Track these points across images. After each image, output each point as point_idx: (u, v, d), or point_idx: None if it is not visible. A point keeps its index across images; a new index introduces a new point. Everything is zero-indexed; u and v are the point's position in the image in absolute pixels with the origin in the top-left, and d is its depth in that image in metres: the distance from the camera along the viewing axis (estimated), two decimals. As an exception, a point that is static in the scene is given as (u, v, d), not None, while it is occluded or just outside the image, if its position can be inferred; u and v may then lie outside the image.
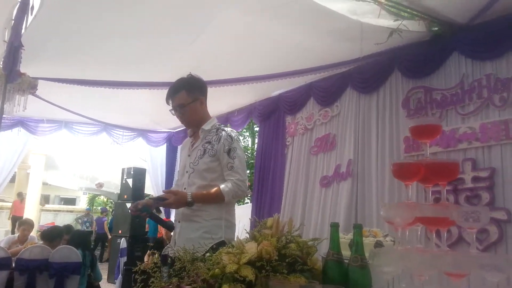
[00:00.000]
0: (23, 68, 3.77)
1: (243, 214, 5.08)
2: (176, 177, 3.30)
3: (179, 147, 7.09)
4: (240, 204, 8.71)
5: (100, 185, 11.63)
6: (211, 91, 2.62)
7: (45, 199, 16.14)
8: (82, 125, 6.81)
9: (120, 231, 7.39)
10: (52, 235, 4.52)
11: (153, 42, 3.81)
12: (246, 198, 9.78)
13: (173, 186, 2.87)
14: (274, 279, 1.20)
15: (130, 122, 6.98)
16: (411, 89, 3.72)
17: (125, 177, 7.70)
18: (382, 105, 3.97)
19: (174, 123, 6.65)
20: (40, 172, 11.50)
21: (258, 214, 5.09)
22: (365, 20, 3.27)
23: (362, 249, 1.26)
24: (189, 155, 2.42)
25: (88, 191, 16.40)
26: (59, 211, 15.84)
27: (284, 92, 5.13)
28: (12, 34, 3.31)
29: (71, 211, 15.87)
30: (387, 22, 3.28)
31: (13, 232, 8.64)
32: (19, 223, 5.71)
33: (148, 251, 5.23)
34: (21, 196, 11.59)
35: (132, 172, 7.58)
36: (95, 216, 13.54)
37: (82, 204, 20.78)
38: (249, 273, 1.22)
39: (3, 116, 3.91)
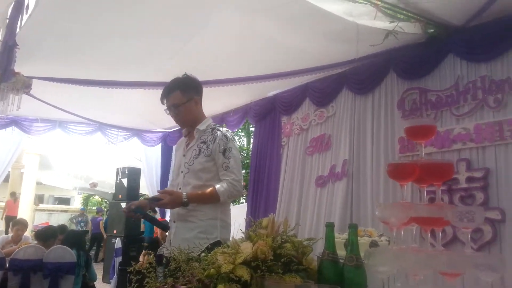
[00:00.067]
0: (17, 67, 3.75)
1: (238, 214, 5.08)
2: (171, 177, 3.32)
3: (174, 147, 7.07)
4: (236, 204, 8.70)
5: (94, 185, 11.59)
6: (206, 91, 2.62)
7: (39, 199, 16.04)
8: (76, 124, 6.78)
9: (115, 231, 7.37)
10: (46, 235, 4.49)
11: (149, 42, 3.81)
12: (241, 198, 9.78)
13: (168, 186, 2.87)
14: (270, 279, 1.20)
15: (125, 122, 6.95)
16: (406, 90, 3.73)
17: (119, 177, 7.67)
18: (377, 106, 3.99)
19: (169, 123, 6.64)
20: (34, 171, 11.43)
21: (254, 214, 5.09)
22: (361, 22, 3.28)
23: (357, 249, 1.26)
24: (184, 155, 2.42)
25: (82, 191, 16.33)
26: (53, 211, 15.74)
27: (280, 93, 5.14)
28: (6, 33, 3.29)
29: (66, 211, 15.77)
30: (383, 24, 3.29)
31: (6, 232, 8.59)
32: (13, 223, 5.67)
33: (144, 251, 5.22)
34: (14, 196, 11.51)
35: (126, 172, 7.56)
36: (89, 216, 13.48)
37: (76, 204, 20.68)
38: (244, 273, 1.22)
39: (-3, 115, 3.88)
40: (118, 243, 6.45)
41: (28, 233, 6.27)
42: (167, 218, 5.98)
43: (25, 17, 3.33)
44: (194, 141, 2.40)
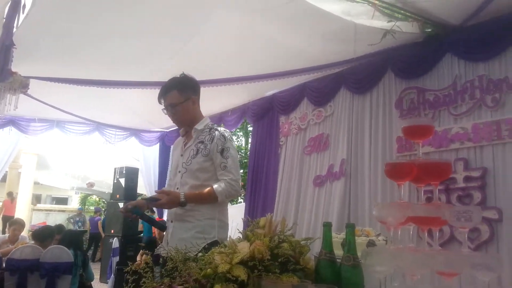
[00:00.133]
0: (14, 67, 3.73)
1: (236, 213, 5.08)
2: (169, 177, 3.31)
3: (171, 147, 7.06)
4: (234, 204, 8.70)
5: (90, 185, 11.56)
6: (205, 91, 2.61)
7: (37, 199, 16.01)
8: (74, 124, 6.76)
9: (112, 231, 7.35)
10: (43, 235, 4.47)
11: (147, 42, 3.80)
12: (239, 198, 9.78)
13: (166, 186, 2.87)
14: (267, 278, 1.20)
15: (123, 122, 6.93)
16: (404, 90, 3.74)
17: (117, 176, 7.66)
18: (375, 105, 3.99)
19: (167, 123, 6.63)
20: (31, 171, 11.40)
21: (251, 214, 5.08)
22: (359, 21, 3.28)
23: (354, 249, 1.26)
24: (181, 155, 2.41)
25: (80, 190, 16.29)
26: (50, 210, 15.72)
27: (278, 92, 5.13)
28: (3, 32, 3.27)
29: (63, 211, 15.76)
30: (381, 23, 3.29)
31: (3, 232, 8.54)
32: (10, 223, 5.65)
33: (141, 250, 5.21)
34: (11, 196, 11.48)
35: (124, 172, 7.54)
36: (87, 216, 13.45)
37: (74, 203, 20.64)
38: (241, 273, 1.21)
39: (-6, 115, 3.87)
40: (115, 243, 6.43)
41: (25, 233, 6.25)
42: (165, 218, 5.98)
43: (22, 16, 3.32)
44: (191, 141, 2.40)
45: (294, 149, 4.82)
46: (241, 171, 10.23)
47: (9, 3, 3.13)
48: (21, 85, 4.40)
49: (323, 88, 4.52)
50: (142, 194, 8.46)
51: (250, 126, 8.56)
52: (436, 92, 3.49)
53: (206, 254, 1.35)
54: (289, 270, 1.26)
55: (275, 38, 3.66)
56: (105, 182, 10.80)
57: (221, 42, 3.80)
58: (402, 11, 3.19)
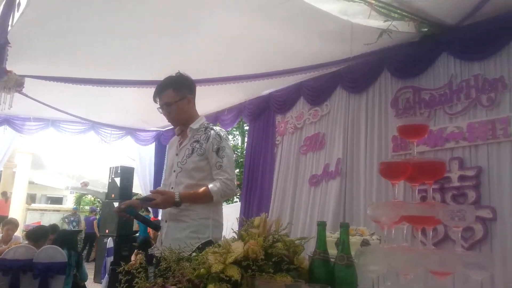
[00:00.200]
0: (9, 66, 3.71)
1: (232, 213, 5.07)
2: (164, 176, 3.29)
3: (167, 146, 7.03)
4: (229, 203, 8.68)
5: (85, 184, 11.51)
6: (201, 90, 2.60)
7: (32, 198, 15.94)
8: (69, 123, 6.72)
9: (107, 231, 7.32)
10: (37, 235, 4.44)
11: (142, 41, 3.78)
12: (235, 197, 9.77)
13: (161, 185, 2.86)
14: (260, 278, 1.19)
15: (118, 121, 6.91)
16: (400, 89, 3.74)
17: (112, 176, 7.63)
18: (371, 104, 3.99)
19: (163, 122, 6.60)
20: (26, 171, 11.34)
21: (247, 213, 5.08)
22: (355, 21, 3.28)
23: (348, 248, 1.25)
24: (176, 154, 2.40)
25: (75, 190, 16.22)
26: (45, 210, 15.63)
27: (274, 91, 5.13)
28: (-3, 30, 3.25)
29: (58, 211, 15.68)
30: (377, 22, 3.29)
31: (-2, 232, 8.49)
32: (4, 222, 5.61)
33: (136, 250, 5.19)
34: (5, 196, 11.41)
35: (119, 171, 7.51)
36: (82, 216, 13.39)
37: (69, 203, 20.54)
38: (235, 273, 1.20)
39: (-12, 113, 3.84)
40: (110, 242, 6.41)
41: (19, 233, 6.21)
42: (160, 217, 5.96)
43: (16, 15, 3.29)
44: (187, 140, 2.39)
45: (290, 148, 4.82)
46: (237, 170, 10.24)
47: (4, 2, 3.11)
48: (16, 84, 4.37)
49: (319, 87, 4.52)
50: (137, 194, 8.43)
51: (247, 125, 8.54)
52: (431, 91, 3.50)
53: (200, 254, 1.35)
54: (283, 270, 1.26)
55: (272, 37, 3.65)
56: (100, 181, 10.76)
57: (218, 41, 3.78)
58: (398, 11, 3.19)
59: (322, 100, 4.51)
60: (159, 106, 2.42)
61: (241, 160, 9.92)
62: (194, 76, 2.55)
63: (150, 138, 7.47)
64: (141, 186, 7.83)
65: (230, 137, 13.82)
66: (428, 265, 1.12)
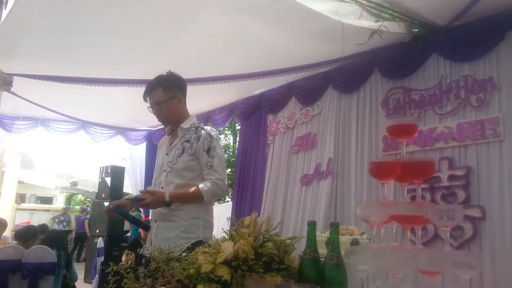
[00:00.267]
0: (-3, 64, 3.66)
1: (223, 212, 5.06)
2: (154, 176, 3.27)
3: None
4: (221, 203, 8.67)
5: (74, 184, 11.40)
6: (192, 90, 2.60)
7: (21, 198, 15.76)
8: (59, 122, 6.64)
9: (97, 231, 7.27)
10: (26, 235, 4.40)
11: (133, 39, 3.75)
12: (226, 197, 9.75)
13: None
14: (250, 278, 1.19)
15: (108, 120, 6.85)
16: (391, 89, 3.76)
17: (103, 175, 7.57)
18: (362, 104, 4.01)
19: (154, 121, 6.55)
20: (15, 170, 11.21)
21: (239, 213, 5.07)
22: (346, 21, 3.28)
23: (338, 247, 1.26)
24: (167, 154, 2.39)
25: (64, 190, 16.08)
26: (35, 210, 15.48)
27: (266, 91, 5.12)
28: (-15, 28, 3.20)
29: (48, 210, 15.53)
30: (368, 23, 3.30)
31: (-14, 232, 8.38)
32: (-8, 223, 5.54)
33: (126, 251, 5.16)
34: (-6, 195, 11.28)
35: (109, 171, 7.46)
36: (72, 216, 13.27)
37: (59, 203, 20.34)
38: (224, 273, 1.20)
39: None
40: (100, 242, 6.36)
41: (8, 233, 6.14)
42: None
43: (4, 12, 3.25)
44: (177, 140, 2.38)
45: (282, 148, 4.82)
46: (229, 170, 10.22)
47: (-9, -1, 3.07)
48: (5, 83, 4.32)
49: (311, 87, 4.53)
50: (128, 194, 8.38)
51: (238, 125, 8.54)
52: (421, 91, 3.52)
53: (190, 254, 1.34)
54: (273, 270, 1.25)
55: (263, 37, 3.65)
56: (91, 181, 10.68)
57: (209, 41, 3.77)
58: (389, 11, 3.20)
59: (313, 100, 4.51)
60: (149, 105, 2.40)
61: (233, 159, 9.91)
62: (185, 76, 2.54)
63: (141, 138, 7.42)
64: (132, 186, 7.77)
65: (222, 136, 13.81)
66: (417, 265, 1.12)
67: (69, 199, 19.72)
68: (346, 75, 4.13)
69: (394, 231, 1.31)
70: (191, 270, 1.24)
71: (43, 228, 5.53)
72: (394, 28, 3.38)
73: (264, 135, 5.10)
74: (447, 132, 3.27)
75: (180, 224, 2.20)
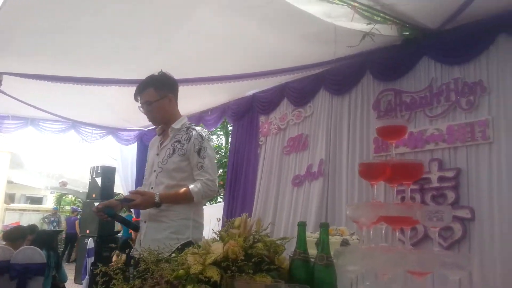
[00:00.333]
0: (-14, 62, 3.62)
1: (215, 213, 5.05)
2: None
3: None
4: (213, 203, 8.65)
5: (63, 184, 11.29)
6: (184, 90, 2.59)
7: (10, 198, 15.59)
8: (49, 122, 6.58)
9: (88, 231, 7.22)
10: (14, 235, 4.35)
11: (125, 39, 3.73)
12: (218, 197, 9.73)
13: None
14: (240, 279, 1.19)
15: (99, 120, 6.80)
16: (382, 92, 3.78)
17: (93, 175, 7.51)
18: (353, 106, 4.03)
19: (144, 121, 6.51)
20: (5, 170, 11.06)
21: (230, 213, 5.07)
22: (338, 23, 3.30)
23: (328, 248, 1.26)
24: (157, 154, 2.38)
25: (55, 190, 15.93)
26: (24, 210, 15.33)
27: (258, 92, 5.13)
28: (-27, 26, 3.16)
29: (38, 211, 15.38)
30: (360, 25, 3.32)
31: (-26, 233, 8.28)
32: (-19, 223, 5.47)
33: (116, 251, 5.11)
34: (-17, 195, 11.15)
35: (100, 171, 7.40)
36: (63, 216, 13.16)
37: (49, 203, 20.15)
38: (214, 274, 1.20)
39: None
40: (90, 243, 6.31)
41: (-4, 234, 6.06)
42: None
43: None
44: (168, 140, 2.37)
45: (274, 149, 4.82)
46: (221, 170, 10.20)
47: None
48: (-6, 81, 4.28)
49: (303, 88, 4.54)
50: (119, 194, 8.33)
51: (231, 126, 8.53)
52: (412, 94, 3.55)
53: (180, 255, 1.33)
54: (263, 270, 1.25)
55: (256, 38, 3.65)
56: (81, 181, 10.58)
57: (202, 41, 3.76)
58: (381, 14, 3.23)
59: (305, 101, 4.53)
60: (140, 104, 2.39)
61: (225, 160, 9.90)
62: (177, 76, 2.54)
63: (132, 138, 7.37)
64: (123, 186, 7.72)
65: (214, 137, 13.78)
66: (406, 265, 1.13)
67: (59, 199, 19.55)
68: (338, 77, 4.15)
69: (383, 231, 1.32)
70: (181, 271, 1.23)
71: (32, 228, 5.48)
72: (386, 31, 3.41)
73: (256, 136, 5.10)
74: (438, 134, 3.30)
75: (170, 225, 2.19)
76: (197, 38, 3.70)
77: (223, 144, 13.70)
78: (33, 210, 15.45)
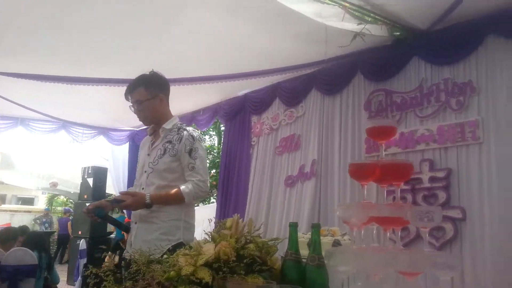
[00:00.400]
0: (-26, 62, 3.57)
1: (208, 213, 5.04)
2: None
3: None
4: (205, 204, 8.64)
5: (53, 184, 11.18)
6: (176, 89, 2.58)
7: (1, 199, 15.44)
8: (39, 122, 6.51)
9: (80, 232, 7.17)
10: (5, 236, 4.30)
11: (116, 38, 3.71)
12: (211, 198, 9.71)
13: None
14: (231, 280, 1.18)
15: (90, 120, 6.74)
16: (373, 92, 3.80)
17: (85, 176, 7.46)
18: (345, 106, 4.05)
19: (136, 121, 6.46)
20: (-5, 170, 10.95)
21: (223, 214, 5.06)
22: (329, 23, 3.31)
23: (319, 248, 1.26)
24: (148, 154, 2.36)
25: (46, 190, 15.79)
26: (16, 211, 15.18)
27: (250, 92, 5.13)
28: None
29: (29, 211, 15.23)
30: (351, 25, 3.34)
31: (-36, 234, 8.16)
32: (-30, 224, 5.40)
33: (110, 252, 5.09)
34: (-27, 196, 11.02)
35: (91, 171, 7.35)
36: (55, 217, 13.04)
37: (41, 204, 19.97)
38: (205, 275, 1.19)
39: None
40: (82, 244, 6.27)
41: (-14, 235, 5.97)
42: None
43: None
44: (159, 140, 2.36)
45: (266, 149, 4.83)
46: (214, 170, 10.17)
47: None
48: (-18, 81, 4.22)
49: (295, 88, 4.55)
50: (111, 195, 8.28)
51: (223, 126, 8.52)
52: (403, 94, 3.57)
53: (171, 256, 1.33)
54: (255, 271, 1.25)
55: (248, 38, 3.65)
56: (72, 182, 10.50)
57: (193, 41, 3.75)
58: (371, 14, 3.24)
59: (297, 101, 4.54)
60: (130, 104, 2.38)
61: (218, 160, 9.88)
62: (169, 76, 2.53)
63: (124, 138, 7.32)
64: (115, 187, 7.67)
65: (207, 137, 13.74)
66: (397, 266, 1.13)
67: (51, 200, 19.38)
68: (330, 77, 4.17)
69: (374, 232, 1.33)
70: (172, 273, 1.23)
71: (23, 229, 5.42)
72: (376, 31, 3.43)
73: (248, 136, 5.10)
74: (428, 134, 3.33)
75: (160, 226, 2.18)
76: (188, 38, 3.70)
77: (216, 145, 13.68)
78: (25, 211, 15.30)
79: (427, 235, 1.22)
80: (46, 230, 11.72)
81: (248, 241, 1.34)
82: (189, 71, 4.31)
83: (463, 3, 2.94)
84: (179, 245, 1.94)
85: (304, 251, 1.33)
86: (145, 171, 2.32)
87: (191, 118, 5.86)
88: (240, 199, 4.98)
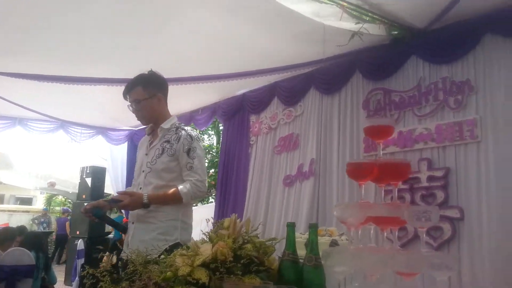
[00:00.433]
0: (-29, 61, 3.56)
1: (207, 212, 5.03)
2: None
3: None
4: (204, 203, 8.63)
5: (51, 184, 11.16)
6: (175, 89, 2.57)
7: (-1, 199, 15.40)
8: (37, 122, 6.50)
9: (78, 232, 7.16)
10: (3, 236, 4.28)
11: (115, 37, 3.70)
12: (210, 197, 9.71)
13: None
14: (228, 280, 1.18)
15: (89, 120, 6.73)
16: (371, 91, 3.80)
17: (83, 176, 7.44)
18: (343, 105, 4.04)
19: (135, 121, 6.45)
20: (-7, 170, 10.93)
21: (222, 213, 5.06)
22: (327, 23, 3.31)
23: (317, 249, 1.26)
24: (146, 154, 2.36)
25: (44, 190, 15.76)
26: (14, 211, 15.13)
27: (249, 92, 5.12)
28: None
29: (27, 211, 15.19)
30: (349, 25, 3.34)
31: (-38, 234, 8.14)
32: (-32, 224, 5.39)
33: (107, 252, 5.09)
34: (-29, 196, 10.99)
35: (89, 171, 7.33)
36: (53, 217, 13.02)
37: (39, 204, 19.91)
38: (202, 275, 1.19)
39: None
40: (80, 244, 6.26)
41: (-16, 235, 5.95)
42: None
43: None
44: (157, 140, 2.35)
45: (265, 149, 4.82)
46: (212, 170, 10.16)
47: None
48: (-20, 81, 4.21)
49: (293, 88, 4.55)
50: (110, 194, 8.27)
51: (222, 125, 8.51)
52: (401, 93, 3.57)
53: (168, 257, 1.32)
54: (252, 272, 1.25)
55: (246, 37, 3.65)
56: (70, 181, 10.48)
57: (192, 41, 3.75)
58: (369, 14, 3.24)
59: (296, 100, 4.53)
60: (129, 103, 2.37)
61: (217, 160, 9.86)
62: (167, 75, 2.52)
63: (122, 138, 7.30)
64: (113, 187, 7.66)
65: (205, 137, 13.71)
66: (394, 266, 1.13)
67: (49, 200, 19.32)
68: (328, 76, 4.16)
69: (372, 232, 1.32)
70: (169, 273, 1.22)
71: (21, 230, 5.41)
72: (374, 30, 3.43)
73: (247, 135, 5.09)
74: (426, 133, 3.33)
75: (158, 226, 2.17)
76: (188, 38, 3.69)
77: (214, 144, 13.66)
78: (23, 211, 15.25)
79: (425, 235, 1.22)
80: (44, 230, 11.70)
81: (245, 241, 1.34)
82: (188, 70, 4.31)
83: (460, 2, 2.95)
84: (177, 245, 1.93)
85: (301, 251, 1.33)
86: (143, 171, 2.31)
87: (189, 118, 5.85)
88: (238, 198, 4.98)
